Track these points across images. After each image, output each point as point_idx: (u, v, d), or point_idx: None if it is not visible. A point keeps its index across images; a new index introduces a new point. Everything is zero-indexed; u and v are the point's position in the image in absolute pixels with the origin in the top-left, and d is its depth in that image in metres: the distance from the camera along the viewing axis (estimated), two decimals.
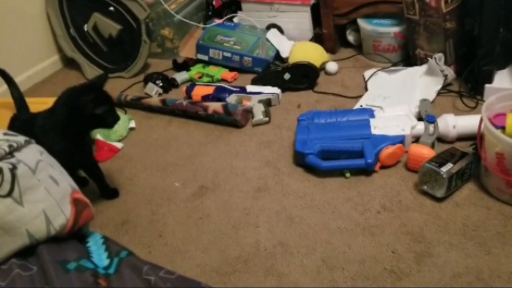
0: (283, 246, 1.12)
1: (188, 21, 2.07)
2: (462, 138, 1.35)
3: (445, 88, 1.60)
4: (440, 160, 1.15)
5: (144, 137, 1.64)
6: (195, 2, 2.23)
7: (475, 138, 1.22)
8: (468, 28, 1.62)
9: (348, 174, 1.29)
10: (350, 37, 1.98)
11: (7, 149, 0.63)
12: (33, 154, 0.68)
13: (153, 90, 1.88)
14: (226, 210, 1.25)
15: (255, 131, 1.55)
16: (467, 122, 1.32)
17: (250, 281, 1.04)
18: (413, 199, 1.20)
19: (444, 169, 1.11)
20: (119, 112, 1.70)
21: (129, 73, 2.09)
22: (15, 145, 0.65)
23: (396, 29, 1.76)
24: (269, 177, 1.34)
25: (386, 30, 1.77)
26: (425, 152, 1.25)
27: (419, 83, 1.58)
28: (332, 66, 1.83)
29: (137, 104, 1.79)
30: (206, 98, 1.71)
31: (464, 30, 1.60)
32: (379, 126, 1.35)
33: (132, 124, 1.69)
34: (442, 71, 1.54)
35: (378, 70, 1.75)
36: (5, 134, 0.69)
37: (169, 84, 1.92)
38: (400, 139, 1.31)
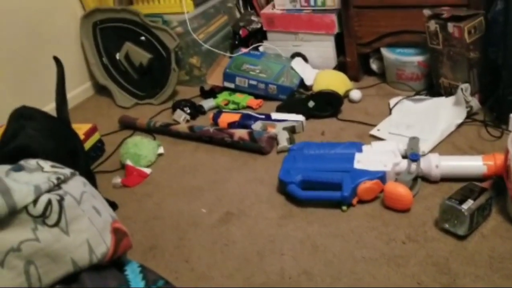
0: (308, 275, 1.13)
1: (215, 50, 2.15)
2: (447, 179, 1.33)
3: (470, 117, 1.61)
4: (460, 196, 1.15)
5: (171, 162, 1.69)
6: (222, 31, 2.32)
7: (461, 180, 1.26)
8: (493, 58, 1.63)
9: (344, 207, 1.30)
10: (374, 65, 2.01)
11: (55, 181, 0.67)
12: (78, 186, 0.72)
13: (181, 116, 1.94)
14: (251, 236, 1.27)
15: (280, 158, 1.58)
16: (451, 163, 1.32)
17: None
18: (439, 229, 1.20)
19: (465, 206, 1.11)
20: (149, 138, 1.78)
21: (158, 100, 2.17)
22: (62, 177, 0.70)
23: (419, 58, 1.78)
24: (293, 205, 1.36)
25: (410, 59, 1.79)
26: (400, 190, 1.25)
27: (443, 113, 1.59)
28: (355, 94, 1.86)
29: (166, 131, 1.85)
30: (232, 125, 1.76)
31: (488, 59, 1.61)
32: (362, 161, 1.36)
33: (161, 150, 1.74)
34: (467, 102, 1.55)
35: (404, 98, 1.76)
36: (52, 166, 0.74)
37: (196, 111, 1.98)
38: (380, 175, 1.31)
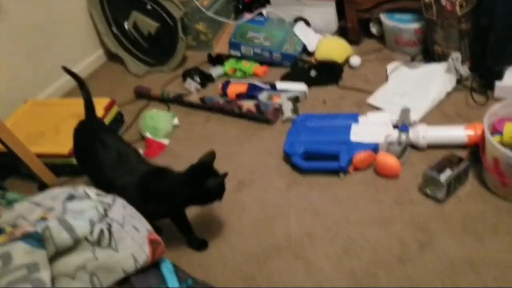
0: (310, 236, 1.34)
1: (219, 18, 2.23)
2: (433, 146, 1.49)
3: (461, 84, 1.74)
4: (440, 167, 1.33)
5: (187, 133, 1.87)
6: None
7: (446, 147, 1.45)
8: (484, 25, 1.72)
9: (342, 175, 1.49)
10: (373, 29, 2.11)
11: (103, 212, 0.91)
12: (120, 211, 0.95)
13: (192, 85, 2.08)
14: (262, 204, 1.48)
15: (285, 128, 1.74)
16: (436, 133, 1.48)
17: (283, 266, 1.28)
18: (421, 194, 1.39)
19: (443, 175, 1.29)
20: (164, 110, 1.94)
21: (168, 67, 2.30)
22: (107, 206, 0.92)
23: (416, 26, 1.88)
24: (297, 173, 1.55)
25: (407, 26, 1.89)
26: (390, 161, 1.44)
27: (435, 81, 1.72)
28: (355, 60, 1.98)
29: (179, 101, 2.00)
30: (240, 95, 1.91)
31: (480, 27, 1.71)
32: (358, 133, 1.53)
33: (176, 121, 1.91)
34: (457, 70, 1.68)
35: (401, 64, 1.88)
36: (97, 194, 0.95)
37: (205, 79, 2.12)
38: (373, 146, 1.49)
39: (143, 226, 0.98)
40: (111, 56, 2.48)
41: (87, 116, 1.55)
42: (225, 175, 1.24)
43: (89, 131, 1.45)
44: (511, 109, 1.37)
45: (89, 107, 1.56)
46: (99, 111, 1.85)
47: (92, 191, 0.96)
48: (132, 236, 0.93)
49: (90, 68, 2.43)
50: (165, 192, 1.23)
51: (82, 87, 1.60)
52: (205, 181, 1.20)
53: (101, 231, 0.87)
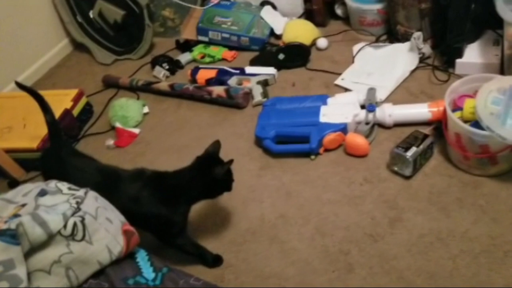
0: (283, 218, 1.38)
1: (185, 3, 2.21)
2: (399, 124, 1.54)
3: (424, 62, 1.79)
4: (406, 144, 1.37)
5: (158, 120, 1.86)
6: None
7: (411, 124, 1.49)
8: (444, 4, 1.77)
9: (313, 157, 1.52)
10: (339, 11, 2.13)
11: (75, 205, 0.91)
12: (92, 203, 0.95)
13: (161, 73, 2.07)
14: (235, 188, 1.49)
15: (256, 112, 1.76)
16: (402, 111, 1.53)
17: (258, 249, 1.31)
18: (390, 171, 1.44)
19: (409, 153, 1.34)
20: (133, 98, 1.93)
21: (136, 55, 2.27)
22: (80, 200, 0.93)
23: (378, 6, 1.91)
24: (269, 157, 1.58)
25: (370, 7, 1.92)
26: (358, 140, 1.48)
27: (399, 60, 1.76)
28: (322, 42, 2.00)
29: (148, 89, 1.99)
30: (209, 81, 1.91)
31: (439, 6, 1.75)
32: (327, 114, 1.56)
33: (146, 109, 1.90)
34: (420, 49, 1.72)
35: (366, 45, 1.92)
36: (69, 188, 0.95)
37: (174, 66, 2.11)
38: (342, 127, 1.52)
39: (117, 217, 0.99)
40: (77, 46, 2.43)
41: (53, 142, 1.37)
42: (230, 161, 1.21)
43: (59, 161, 1.27)
44: (470, 86, 1.43)
45: (54, 130, 1.37)
46: (67, 103, 1.84)
47: (63, 185, 0.97)
48: (106, 228, 0.94)
49: (56, 58, 2.38)
50: (181, 187, 1.19)
51: (42, 104, 1.39)
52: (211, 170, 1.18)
53: (75, 224, 0.88)
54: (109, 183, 1.19)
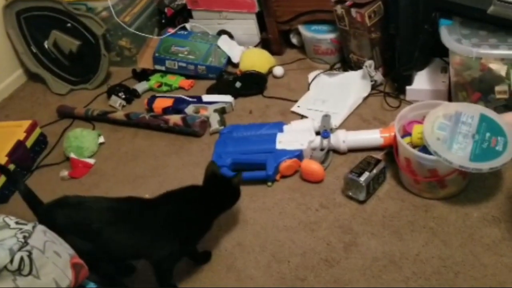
0: (240, 246, 1.36)
1: (142, 34, 2.21)
2: (353, 150, 1.58)
3: (376, 89, 1.85)
4: (359, 170, 1.40)
5: (113, 151, 1.83)
6: (147, 10, 2.36)
7: (364, 150, 1.54)
8: (392, 33, 1.85)
9: (269, 183, 1.53)
10: (294, 40, 2.19)
11: (23, 240, 0.90)
12: (40, 237, 0.94)
13: (117, 102, 2.05)
14: None
15: (213, 140, 1.76)
16: (355, 137, 1.57)
17: (215, 278, 1.29)
18: (345, 196, 1.46)
19: (362, 178, 1.37)
20: (89, 128, 1.89)
21: (92, 84, 2.24)
22: (27, 234, 0.91)
23: (332, 36, 1.97)
24: None
25: (324, 36, 1.98)
26: (313, 167, 1.50)
27: (352, 88, 1.82)
28: (278, 70, 2.05)
29: (104, 119, 1.96)
30: (166, 110, 1.90)
31: (388, 35, 1.83)
32: (283, 141, 1.58)
33: (101, 139, 1.87)
34: (371, 76, 1.79)
35: (321, 72, 1.97)
36: (17, 223, 0.94)
37: (131, 95, 2.09)
38: (297, 153, 1.54)
39: (65, 250, 0.98)
40: (32, 76, 2.39)
41: (35, 211, 1.23)
42: (241, 173, 1.30)
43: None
44: (419, 112, 1.48)
45: (32, 203, 1.22)
46: (20, 134, 1.79)
47: (11, 220, 0.95)
48: (54, 262, 0.93)
49: (9, 89, 2.33)
50: (203, 209, 1.26)
51: (15, 178, 1.36)
52: (228, 182, 1.28)
53: (21, 259, 0.87)
54: (119, 217, 1.21)
